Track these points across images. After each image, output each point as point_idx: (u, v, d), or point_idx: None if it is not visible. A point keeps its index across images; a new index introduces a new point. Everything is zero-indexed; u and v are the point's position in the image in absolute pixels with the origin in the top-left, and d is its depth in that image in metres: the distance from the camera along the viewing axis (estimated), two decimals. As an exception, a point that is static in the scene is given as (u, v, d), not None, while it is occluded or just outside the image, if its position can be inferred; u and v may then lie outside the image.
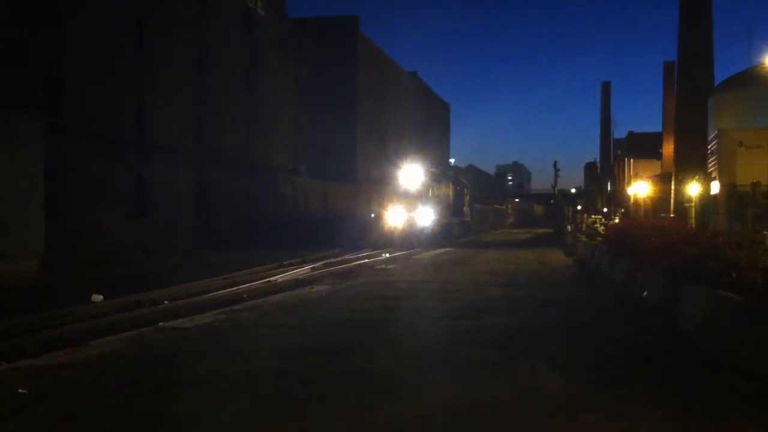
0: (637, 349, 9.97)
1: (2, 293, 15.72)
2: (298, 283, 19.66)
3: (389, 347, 10.22)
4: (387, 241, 34.51)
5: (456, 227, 45.50)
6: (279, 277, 20.77)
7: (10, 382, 7.97)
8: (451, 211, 44.32)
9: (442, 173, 45.55)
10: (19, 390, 7.59)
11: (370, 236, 35.35)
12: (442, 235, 39.14)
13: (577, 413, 6.84)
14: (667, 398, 7.34)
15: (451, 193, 44.90)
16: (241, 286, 18.45)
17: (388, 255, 29.21)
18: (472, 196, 59.70)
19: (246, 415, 6.82)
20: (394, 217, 36.23)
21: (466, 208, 51.04)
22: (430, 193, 39.75)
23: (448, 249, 34.54)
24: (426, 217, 37.27)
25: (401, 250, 31.70)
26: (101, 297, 15.75)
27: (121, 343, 10.41)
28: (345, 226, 38.18)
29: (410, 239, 35.14)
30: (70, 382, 8.15)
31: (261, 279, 20.33)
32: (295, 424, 6.59)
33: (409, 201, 37.21)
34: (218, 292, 17.29)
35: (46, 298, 15.33)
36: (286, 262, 25.10)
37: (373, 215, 39.56)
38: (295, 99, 51.97)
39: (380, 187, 41.12)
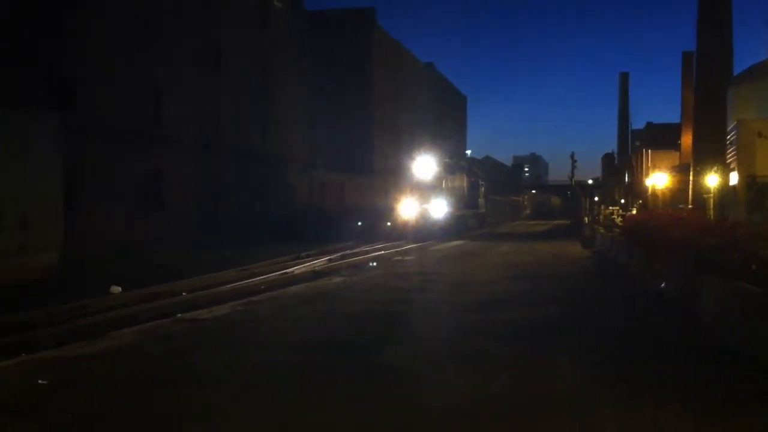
0: (655, 341, 9.91)
1: (23, 286, 15.87)
2: (315, 274, 19.71)
3: (405, 340, 10.23)
4: (400, 233, 34.31)
5: (470, 219, 44.96)
6: (296, 269, 20.84)
7: (30, 373, 8.06)
8: (466, 203, 43.77)
9: (456, 164, 44.92)
10: (39, 381, 7.66)
11: (381, 229, 35.11)
12: (456, 228, 38.75)
13: (593, 407, 6.81)
14: (685, 391, 7.29)
15: (465, 185, 44.42)
16: (258, 278, 18.53)
17: (403, 247, 29.12)
18: (488, 188, 59.36)
19: (263, 408, 6.85)
20: (408, 209, 35.98)
21: (481, 200, 50.43)
22: (444, 185, 39.32)
23: (462, 242, 34.24)
24: (439, 209, 36.90)
25: (414, 243, 31.49)
26: (119, 289, 15.88)
27: (139, 335, 10.49)
28: (360, 219, 38.09)
29: (423, 232, 34.84)
30: (88, 374, 8.22)
31: (278, 271, 20.40)
32: (313, 416, 6.61)
33: (423, 193, 36.89)
34: (236, 284, 17.38)
35: (66, 290, 15.45)
36: (303, 254, 25.17)
37: (386, 207, 39.28)
38: (311, 91, 51.95)
39: (396, 179, 40.81)
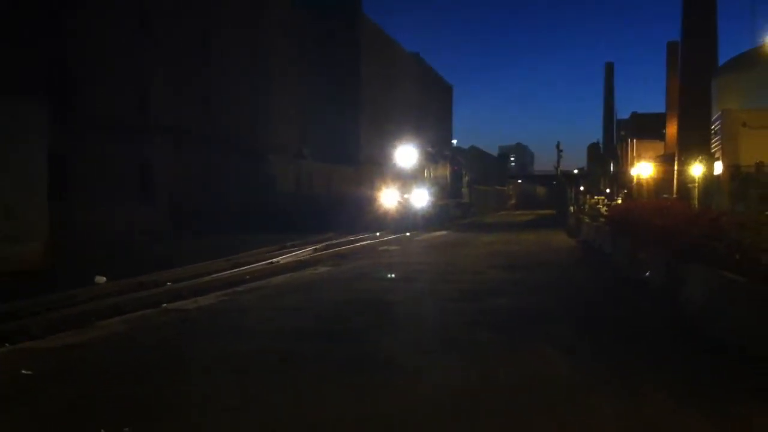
0: (640, 330, 9.98)
1: (7, 277, 15.76)
2: (300, 264, 19.68)
3: (392, 329, 10.23)
4: (381, 223, 33.83)
5: (453, 209, 44.57)
6: (281, 259, 20.81)
7: (14, 363, 8.00)
8: (449, 192, 43.36)
9: (438, 153, 44.39)
10: (23, 371, 7.62)
11: (364, 219, 34.48)
12: (438, 218, 38.40)
13: (581, 394, 6.85)
14: (671, 379, 7.35)
15: (448, 174, 43.94)
16: (244, 268, 18.48)
17: (385, 238, 29.00)
18: (473, 178, 59.31)
19: (249, 397, 6.84)
20: (389, 199, 35.55)
21: (464, 190, 49.95)
22: (426, 174, 38.80)
23: (446, 232, 34.01)
24: (421, 198, 36.46)
25: (396, 233, 31.14)
26: (104, 279, 15.80)
27: (124, 325, 10.45)
28: (344, 209, 37.78)
29: (405, 222, 34.43)
30: (73, 364, 8.18)
31: (264, 261, 20.35)
32: (299, 405, 6.60)
33: (404, 182, 36.43)
34: (221, 274, 17.33)
35: (50, 281, 15.36)
36: (288, 244, 25.12)
37: (368, 197, 38.55)
38: (298, 82, 51.79)
39: (382, 168, 40.42)
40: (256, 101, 44.15)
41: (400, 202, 35.48)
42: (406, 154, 37.53)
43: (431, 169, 40.20)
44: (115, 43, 30.28)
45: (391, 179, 37.00)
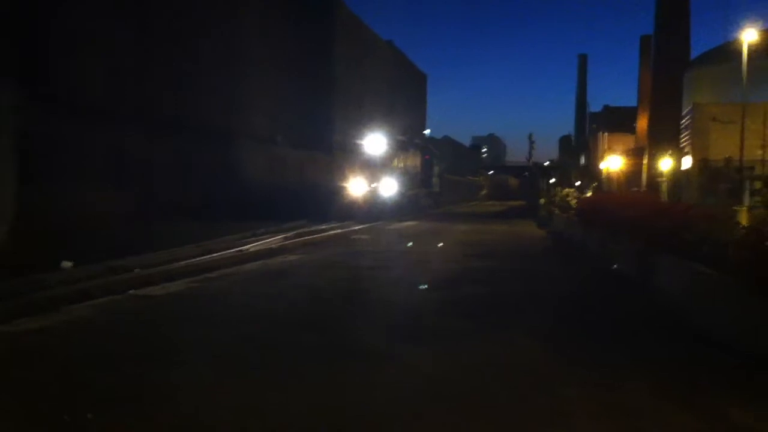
0: (611, 320, 10.05)
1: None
2: (271, 252, 19.57)
3: (364, 317, 10.19)
4: (347, 213, 33.18)
5: (423, 199, 44.00)
6: (252, 246, 20.66)
7: (-24, 348, 7.84)
8: (419, 181, 42.83)
9: (409, 142, 43.77)
10: (-13, 356, 7.47)
11: (332, 208, 33.90)
12: (407, 207, 37.77)
13: (554, 383, 6.86)
14: (642, 369, 7.39)
15: (419, 163, 43.39)
16: (214, 255, 18.31)
17: (357, 227, 28.83)
18: (446, 168, 59.28)
19: (219, 385, 6.76)
20: (357, 187, 34.90)
21: (435, 179, 49.33)
22: (396, 163, 38.23)
23: (416, 222, 33.57)
24: (390, 187, 35.83)
25: (363, 223, 30.63)
26: (70, 264, 15.55)
27: (91, 310, 10.28)
28: (315, 197, 37.34)
29: (373, 211, 33.82)
30: (38, 349, 8.03)
31: (234, 248, 20.20)
32: (270, 393, 6.54)
33: (373, 171, 35.86)
34: (191, 260, 17.15)
35: (15, 265, 15.08)
36: (260, 231, 24.98)
37: (336, 186, 37.77)
38: (272, 68, 51.39)
39: (355, 157, 40.01)
40: (228, 87, 43.73)
41: (368, 191, 34.85)
42: (375, 142, 36.83)
43: (401, 158, 39.65)
44: (90, 29, 29.80)
45: (360, 167, 36.40)
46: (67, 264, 15.46)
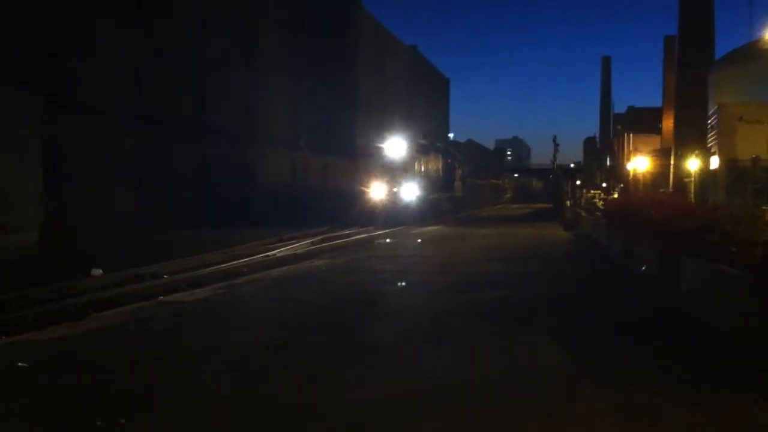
0: (635, 322, 10.01)
1: (1, 267, 15.72)
2: (297, 257, 19.68)
3: (388, 320, 10.25)
4: (369, 218, 32.54)
5: (445, 203, 43.15)
6: (278, 252, 20.79)
7: (9, 355, 7.99)
8: (441, 185, 42.18)
9: (430, 145, 43.12)
10: (19, 363, 7.61)
11: (352, 213, 33.24)
12: (428, 212, 36.94)
13: (575, 385, 6.87)
14: (664, 371, 7.37)
15: (440, 167, 42.76)
16: (240, 260, 18.46)
17: (379, 232, 28.45)
18: (470, 171, 58.87)
19: (245, 388, 6.84)
20: (378, 192, 34.26)
21: (457, 183, 48.43)
22: (417, 167, 37.59)
23: (438, 227, 32.96)
24: (411, 192, 35.08)
25: (384, 228, 30.02)
26: (101, 271, 15.76)
27: (120, 317, 10.43)
28: (337, 202, 36.61)
29: (394, 216, 33.08)
30: (69, 356, 8.17)
31: (261, 253, 20.33)
32: (295, 396, 6.61)
33: (394, 175, 35.17)
34: (218, 266, 17.31)
35: (46, 272, 15.32)
36: (285, 237, 25.11)
37: (356, 191, 36.89)
38: (295, 73, 51.66)
39: (376, 161, 39.41)
40: (251, 92, 44.00)
41: (389, 196, 34.25)
42: (395, 146, 36.19)
43: (423, 162, 39.04)
44: (110, 32, 30.17)
45: (381, 172, 35.79)
46: (97, 271, 15.67)
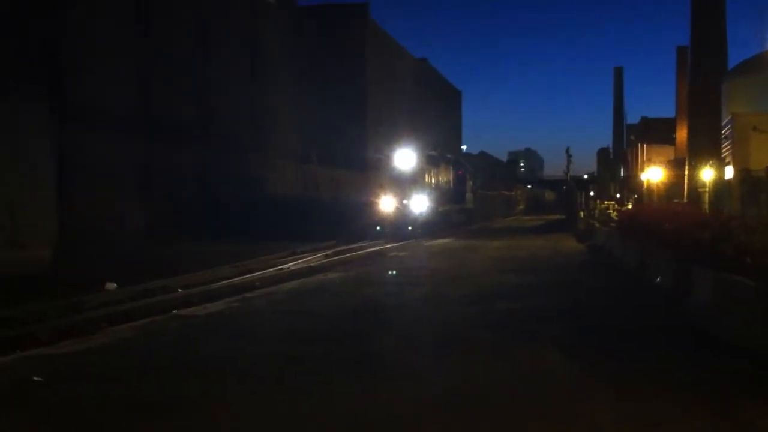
0: (648, 333, 9.96)
1: (15, 281, 15.79)
2: (310, 270, 19.68)
3: (400, 332, 10.26)
4: (378, 231, 32.05)
5: (456, 215, 42.61)
6: (291, 265, 20.80)
7: (24, 369, 8.04)
8: (452, 197, 41.64)
9: (440, 157, 42.32)
10: (34, 378, 7.64)
11: (362, 226, 32.52)
12: (439, 224, 36.57)
13: (585, 396, 6.85)
14: (677, 382, 7.33)
15: (451, 179, 42.14)
16: (253, 274, 18.48)
17: (390, 245, 28.10)
18: (482, 182, 58.57)
19: (257, 400, 6.85)
20: (386, 204, 33.66)
21: (468, 195, 47.81)
22: (427, 179, 36.94)
23: (448, 239, 32.50)
24: (421, 204, 34.45)
25: (394, 241, 29.65)
26: (114, 285, 15.81)
27: (134, 331, 10.47)
28: (348, 215, 35.61)
29: (403, 229, 32.61)
30: (83, 370, 8.21)
31: (273, 266, 20.34)
32: (307, 406, 6.62)
33: (403, 187, 34.58)
34: (231, 280, 17.31)
35: (59, 286, 15.37)
36: (298, 250, 25.11)
37: (367, 203, 36.02)
38: (304, 85, 51.85)
39: (385, 173, 38.88)
40: (259, 104, 44.13)
41: (398, 208, 33.72)
42: (404, 157, 35.51)
43: (433, 173, 38.53)
44: (116, 44, 30.28)
45: (390, 184, 35.19)
46: (111, 285, 15.72)
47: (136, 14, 31.99)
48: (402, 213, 33.65)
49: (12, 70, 23.89)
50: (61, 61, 27.10)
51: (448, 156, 46.09)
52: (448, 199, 40.93)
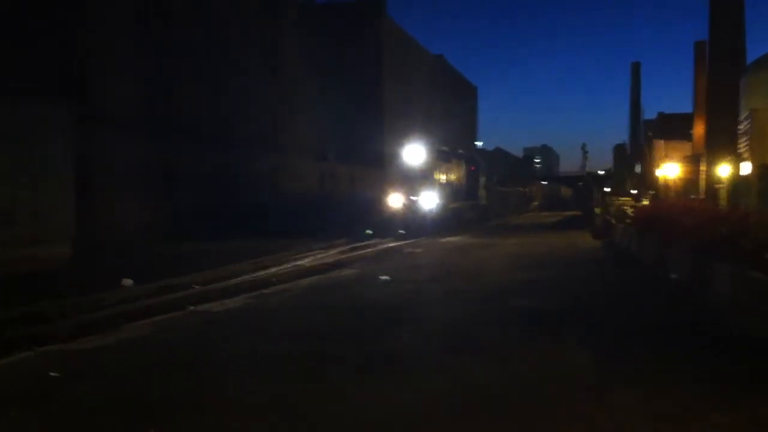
0: (666, 328, 9.89)
1: (35, 278, 15.94)
2: (327, 267, 19.69)
3: (418, 329, 10.24)
4: (386, 228, 31.06)
5: (468, 212, 41.41)
6: (307, 261, 20.83)
7: (42, 365, 8.11)
8: (464, 193, 40.82)
9: (452, 152, 41.44)
10: (51, 373, 7.71)
11: (368, 223, 31.59)
12: (449, 221, 35.42)
13: (605, 392, 6.82)
14: (697, 377, 7.29)
15: (463, 174, 41.21)
16: (269, 270, 18.53)
17: (394, 243, 27.34)
18: (498, 179, 58.15)
19: (273, 397, 6.88)
20: (395, 201, 33.03)
21: (481, 191, 46.72)
22: (437, 174, 36.13)
23: (458, 237, 31.48)
24: (430, 200, 33.61)
25: (402, 240, 28.79)
26: (131, 281, 15.90)
27: (152, 328, 10.54)
28: (362, 211, 34.80)
29: (412, 226, 31.72)
30: (101, 366, 8.27)
31: (289, 263, 20.39)
32: (321, 404, 6.63)
33: (412, 183, 33.86)
34: (247, 276, 17.38)
35: (78, 282, 15.48)
36: (314, 247, 25.14)
37: (372, 200, 35.64)
38: (320, 82, 51.89)
39: (397, 169, 38.10)
40: (276, 102, 44.24)
41: (406, 205, 33.00)
42: (414, 153, 34.66)
43: (444, 169, 37.73)
44: (135, 44, 30.47)
45: (400, 180, 34.65)
46: (128, 282, 15.81)
47: (155, 15, 32.16)
48: (411, 210, 33.00)
49: (32, 72, 24.14)
50: (80, 62, 27.31)
51: (460, 151, 45.06)
52: (460, 195, 40.15)
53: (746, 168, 31.26)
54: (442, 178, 37.47)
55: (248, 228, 31.49)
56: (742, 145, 32.56)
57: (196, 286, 15.65)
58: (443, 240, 29.85)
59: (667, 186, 47.92)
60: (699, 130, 47.83)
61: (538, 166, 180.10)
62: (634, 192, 66.64)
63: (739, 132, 32.60)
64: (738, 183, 30.56)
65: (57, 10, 26.48)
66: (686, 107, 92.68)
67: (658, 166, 58.62)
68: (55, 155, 18.93)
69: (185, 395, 6.95)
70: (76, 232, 19.16)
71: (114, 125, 28.45)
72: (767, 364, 7.63)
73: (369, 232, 30.58)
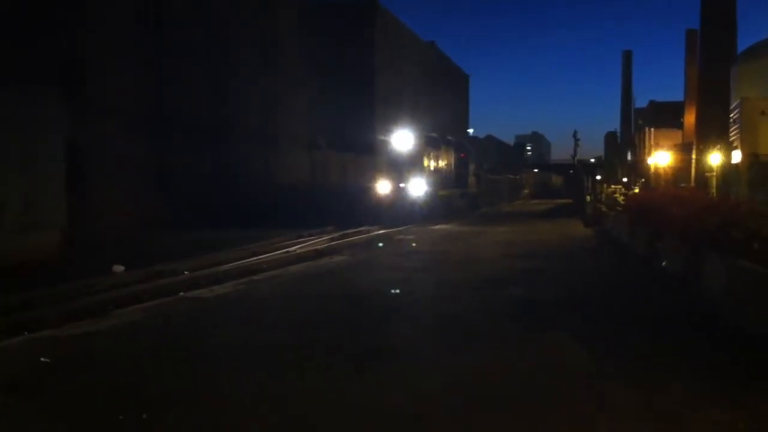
0: (657, 319, 9.93)
1: (25, 266, 15.85)
2: (317, 253, 19.70)
3: (408, 318, 10.25)
4: (374, 216, 30.68)
5: (458, 199, 41.12)
6: (298, 248, 20.81)
7: (32, 351, 8.09)
8: (453, 181, 40.51)
9: (441, 139, 41.01)
10: (42, 359, 7.69)
11: (357, 211, 31.26)
12: (437, 209, 34.96)
13: (596, 382, 6.84)
14: (687, 368, 7.32)
15: (452, 162, 40.89)
16: (259, 257, 18.51)
17: (382, 231, 27.04)
18: (489, 167, 58.00)
19: (262, 386, 6.87)
20: (383, 188, 32.91)
21: (471, 178, 46.47)
22: (426, 162, 35.78)
23: (447, 225, 31.21)
24: (419, 187, 33.34)
25: (391, 227, 28.34)
26: (122, 268, 15.86)
27: (142, 313, 10.52)
28: (351, 199, 34.54)
29: (401, 214, 31.36)
30: (91, 352, 8.25)
31: (280, 250, 20.37)
32: (312, 396, 6.62)
33: (401, 170, 33.70)
34: (238, 263, 17.34)
35: (68, 270, 15.42)
36: (305, 233, 25.12)
37: (362, 187, 35.33)
38: (313, 72, 51.70)
39: (386, 156, 37.73)
40: (269, 92, 44.09)
41: (394, 192, 32.76)
42: (402, 139, 34.36)
43: (433, 156, 37.40)
44: (131, 36, 30.33)
45: (388, 167, 34.49)
46: (119, 268, 15.77)
47: (151, 9, 32.00)
48: (399, 197, 32.75)
49: (30, 65, 23.96)
50: (80, 61, 27.20)
51: (449, 138, 44.53)
52: (450, 183, 39.82)
53: (736, 157, 31.34)
54: (432, 165, 37.18)
55: (241, 218, 31.41)
56: (733, 134, 32.62)
57: (187, 273, 15.62)
58: (433, 228, 29.70)
59: (657, 174, 47.93)
60: (690, 118, 47.80)
61: (529, 153, 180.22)
62: (625, 180, 66.69)
63: (730, 121, 32.64)
64: (728, 172, 30.62)
65: (57, 10, 26.30)
66: (677, 95, 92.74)
67: (648, 154, 58.72)
68: (47, 144, 18.81)
69: (177, 383, 6.94)
70: (67, 221, 19.07)
71: (110, 118, 28.34)
72: (763, 358, 7.64)
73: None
